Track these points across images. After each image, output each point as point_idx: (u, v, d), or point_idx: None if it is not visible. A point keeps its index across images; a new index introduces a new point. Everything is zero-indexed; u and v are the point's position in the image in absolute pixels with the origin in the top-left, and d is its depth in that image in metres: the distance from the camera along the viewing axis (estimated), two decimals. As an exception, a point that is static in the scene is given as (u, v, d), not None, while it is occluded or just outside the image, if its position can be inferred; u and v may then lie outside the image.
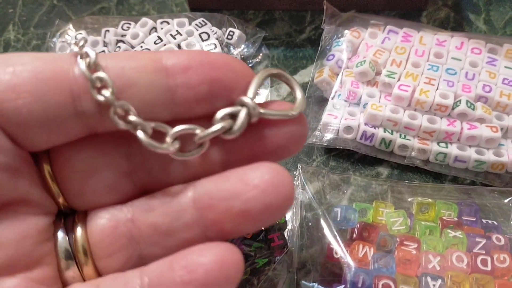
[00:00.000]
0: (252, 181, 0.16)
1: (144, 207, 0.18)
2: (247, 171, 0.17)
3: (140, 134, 0.17)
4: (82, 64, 0.16)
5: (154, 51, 0.17)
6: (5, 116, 0.15)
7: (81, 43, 0.17)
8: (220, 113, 0.17)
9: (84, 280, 0.18)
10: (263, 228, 0.32)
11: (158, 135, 0.17)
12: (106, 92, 0.16)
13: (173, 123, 0.17)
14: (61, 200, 0.18)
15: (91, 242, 0.18)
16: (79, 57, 0.16)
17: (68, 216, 0.19)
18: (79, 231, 0.18)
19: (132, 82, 0.16)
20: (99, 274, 0.18)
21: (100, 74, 0.16)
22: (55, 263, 0.18)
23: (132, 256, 0.18)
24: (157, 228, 0.18)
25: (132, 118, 0.16)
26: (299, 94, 0.19)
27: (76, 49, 0.16)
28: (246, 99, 0.17)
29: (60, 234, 0.18)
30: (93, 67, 0.16)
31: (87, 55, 0.16)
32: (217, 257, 0.16)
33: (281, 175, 0.16)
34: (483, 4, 0.46)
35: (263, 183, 0.16)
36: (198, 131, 0.17)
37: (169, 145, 0.17)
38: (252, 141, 0.18)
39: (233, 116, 0.17)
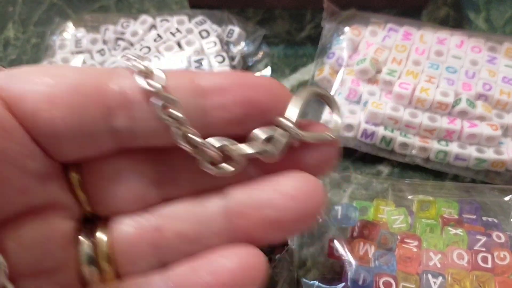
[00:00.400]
0: (287, 190, 0.16)
1: (171, 215, 0.18)
2: (280, 180, 0.17)
3: (201, 160, 0.16)
4: (155, 83, 0.15)
5: (191, 71, 0.17)
6: (39, 127, 0.15)
7: (146, 63, 0.16)
8: (259, 134, 0.17)
9: (105, 283, 0.18)
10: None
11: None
12: (176, 114, 0.16)
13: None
14: (85, 206, 0.18)
15: (115, 248, 0.18)
16: (136, 75, 0.16)
17: (89, 221, 0.19)
18: (101, 236, 0.18)
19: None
20: (119, 278, 0.18)
21: (171, 96, 0.15)
22: (77, 268, 0.18)
23: (155, 263, 0.18)
24: (184, 236, 0.17)
25: (197, 140, 0.16)
26: (338, 117, 0.18)
27: (140, 66, 0.16)
28: (286, 122, 0.17)
29: (82, 239, 0.18)
30: (160, 88, 0.15)
31: (151, 73, 0.16)
32: (242, 260, 0.16)
33: (313, 184, 0.16)
34: (483, 3, 0.46)
35: (298, 192, 0.16)
36: (234, 147, 0.17)
37: (229, 166, 0.17)
38: (286, 160, 0.17)
39: (273, 139, 0.17)
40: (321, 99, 0.19)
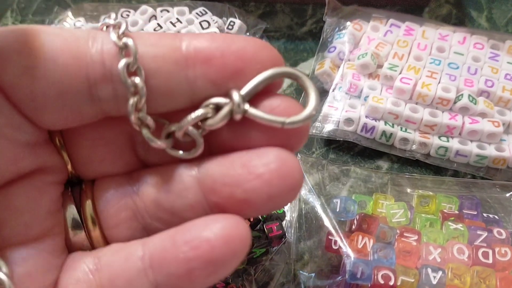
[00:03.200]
0: (257, 169, 0.15)
1: (149, 181, 0.17)
2: (253, 157, 0.16)
3: (144, 131, 0.16)
4: (122, 63, 0.15)
5: (177, 34, 0.16)
6: (21, 99, 0.15)
7: (123, 28, 0.15)
8: (206, 101, 0.16)
9: (92, 246, 0.18)
10: (261, 218, 0.32)
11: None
12: (135, 82, 0.15)
13: (193, 108, 0.16)
14: (69, 167, 0.18)
15: (99, 212, 0.18)
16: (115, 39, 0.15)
17: (75, 185, 0.19)
18: (87, 200, 0.18)
19: (152, 73, 0.15)
20: (107, 241, 0.18)
21: (136, 80, 0.15)
22: (64, 233, 0.18)
23: (138, 228, 0.18)
24: (160, 204, 0.17)
25: (141, 114, 0.16)
26: (311, 103, 0.16)
27: (114, 36, 0.15)
28: (235, 94, 0.16)
29: (69, 203, 0.18)
30: (132, 62, 0.15)
31: (125, 45, 0.15)
32: (223, 231, 0.15)
33: (289, 164, 0.15)
34: (485, 1, 0.46)
35: (268, 172, 0.15)
36: (173, 128, 0.17)
37: (163, 142, 0.17)
38: (235, 138, 0.17)
39: (219, 107, 0.16)
40: (292, 79, 0.17)
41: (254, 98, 0.16)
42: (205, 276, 0.15)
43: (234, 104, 0.16)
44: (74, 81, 0.15)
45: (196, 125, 0.16)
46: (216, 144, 0.17)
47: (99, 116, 0.16)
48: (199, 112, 0.16)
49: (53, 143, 0.17)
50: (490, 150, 0.34)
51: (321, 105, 0.37)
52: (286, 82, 0.42)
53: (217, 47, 0.15)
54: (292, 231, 0.32)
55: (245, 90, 0.16)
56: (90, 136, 0.17)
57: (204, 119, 0.16)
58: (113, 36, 0.15)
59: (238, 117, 0.16)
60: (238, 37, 0.16)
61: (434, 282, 0.27)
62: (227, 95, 0.16)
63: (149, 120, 0.16)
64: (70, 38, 0.15)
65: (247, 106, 0.16)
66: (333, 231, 0.30)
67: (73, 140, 0.18)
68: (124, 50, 0.15)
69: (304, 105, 0.16)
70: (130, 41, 0.15)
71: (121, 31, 0.15)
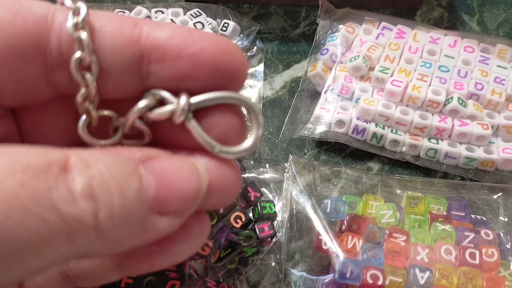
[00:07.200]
0: None
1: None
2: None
3: (81, 120, 0.16)
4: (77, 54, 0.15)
5: (137, 22, 0.16)
6: None
7: (82, 14, 0.15)
8: (153, 90, 0.16)
9: None
10: (252, 218, 0.32)
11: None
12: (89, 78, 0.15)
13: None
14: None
15: None
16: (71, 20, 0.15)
17: None
18: None
19: (106, 66, 0.15)
20: None
21: (87, 76, 0.15)
22: None
23: None
24: None
25: (90, 106, 0.16)
26: (249, 140, 0.16)
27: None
28: (183, 99, 0.15)
29: None
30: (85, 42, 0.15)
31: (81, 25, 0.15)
32: None
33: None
34: (477, 5, 0.46)
35: None
36: (118, 123, 0.16)
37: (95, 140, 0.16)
38: (180, 136, 0.16)
39: (163, 101, 0.16)
40: (244, 107, 0.16)
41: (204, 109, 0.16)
42: None
43: (178, 108, 0.15)
44: (32, 68, 0.15)
45: (140, 116, 0.16)
46: (162, 135, 0.17)
47: (54, 96, 0.16)
48: (142, 104, 0.16)
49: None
50: (479, 153, 0.35)
51: (313, 107, 0.38)
52: (279, 83, 0.42)
53: (175, 46, 0.15)
54: (283, 231, 0.33)
55: (195, 99, 0.16)
56: (40, 109, 0.17)
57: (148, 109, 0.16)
58: (70, 25, 0.14)
59: (177, 121, 0.16)
60: (202, 36, 0.15)
61: (422, 282, 0.27)
62: (177, 94, 0.16)
63: (94, 113, 0.16)
64: (29, 18, 0.14)
65: (190, 116, 0.16)
66: (323, 231, 0.31)
67: (24, 114, 0.17)
68: (79, 42, 0.15)
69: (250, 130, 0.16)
70: (84, 35, 0.14)
71: (80, 18, 0.15)
